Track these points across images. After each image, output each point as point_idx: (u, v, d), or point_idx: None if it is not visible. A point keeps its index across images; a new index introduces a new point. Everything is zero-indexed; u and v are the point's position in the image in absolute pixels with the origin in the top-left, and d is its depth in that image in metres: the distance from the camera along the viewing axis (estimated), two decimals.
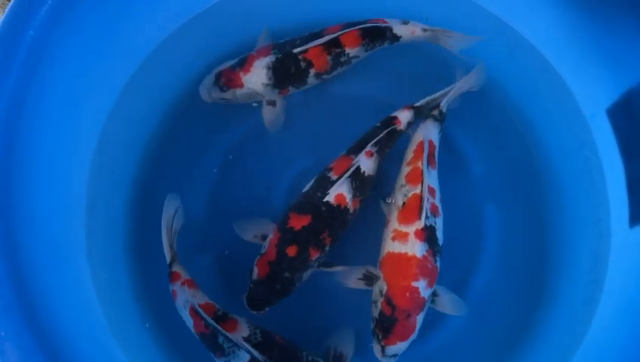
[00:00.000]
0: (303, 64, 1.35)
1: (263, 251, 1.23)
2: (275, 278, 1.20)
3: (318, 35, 1.36)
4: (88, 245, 1.33)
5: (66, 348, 1.17)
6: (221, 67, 1.40)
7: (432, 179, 1.26)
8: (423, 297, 1.17)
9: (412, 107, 1.33)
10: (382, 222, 1.28)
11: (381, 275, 1.21)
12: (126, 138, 1.43)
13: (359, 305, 1.29)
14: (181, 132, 1.46)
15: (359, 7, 1.46)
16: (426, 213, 1.19)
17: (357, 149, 1.28)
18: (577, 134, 1.43)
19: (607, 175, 1.39)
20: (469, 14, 1.49)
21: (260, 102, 1.43)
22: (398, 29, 1.38)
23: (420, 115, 1.34)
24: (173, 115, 1.47)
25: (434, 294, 1.22)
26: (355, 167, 1.24)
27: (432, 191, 1.24)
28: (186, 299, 1.20)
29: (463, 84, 1.34)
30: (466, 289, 1.38)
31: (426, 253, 1.18)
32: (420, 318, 1.19)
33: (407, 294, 1.16)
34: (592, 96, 1.41)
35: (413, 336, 1.19)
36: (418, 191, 1.21)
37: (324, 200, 1.22)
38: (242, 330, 1.17)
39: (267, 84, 1.37)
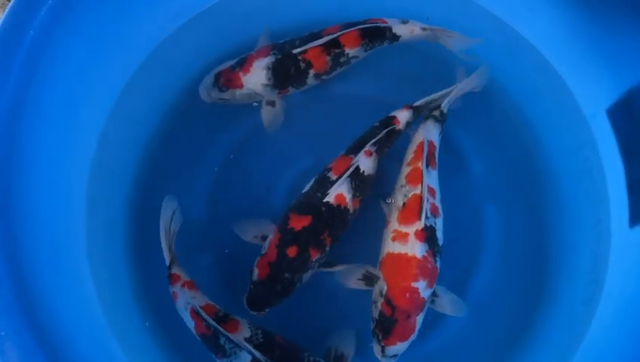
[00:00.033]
0: (302, 65, 1.35)
1: (263, 252, 1.23)
2: (275, 279, 1.19)
3: (318, 35, 1.36)
4: (88, 245, 1.33)
5: (66, 348, 1.17)
6: (220, 67, 1.40)
7: (432, 179, 1.26)
8: (423, 298, 1.17)
9: (411, 107, 1.33)
10: (382, 222, 1.28)
11: (381, 276, 1.21)
12: (126, 138, 1.43)
13: (359, 306, 1.29)
14: (181, 132, 1.46)
15: (359, 7, 1.46)
16: (426, 213, 1.19)
17: (356, 149, 1.28)
18: (577, 134, 1.43)
19: (607, 175, 1.39)
20: (469, 14, 1.49)
21: (260, 102, 1.43)
22: (398, 29, 1.38)
23: (419, 114, 1.34)
24: (173, 115, 1.47)
25: (434, 294, 1.22)
26: (354, 166, 1.24)
27: (432, 191, 1.24)
28: (187, 300, 1.20)
29: (465, 85, 1.34)
30: (466, 289, 1.38)
31: (426, 254, 1.18)
32: (419, 319, 1.19)
33: (407, 295, 1.16)
34: (592, 96, 1.41)
35: (413, 337, 1.19)
36: (418, 191, 1.21)
37: (324, 200, 1.22)
38: (244, 331, 1.17)
39: (267, 85, 1.37)
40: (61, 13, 1.20)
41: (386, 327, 1.17)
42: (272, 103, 1.42)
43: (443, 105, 1.33)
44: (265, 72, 1.36)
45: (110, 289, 1.34)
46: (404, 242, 1.19)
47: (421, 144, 1.27)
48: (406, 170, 1.27)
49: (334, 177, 1.24)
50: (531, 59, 1.47)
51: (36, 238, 1.21)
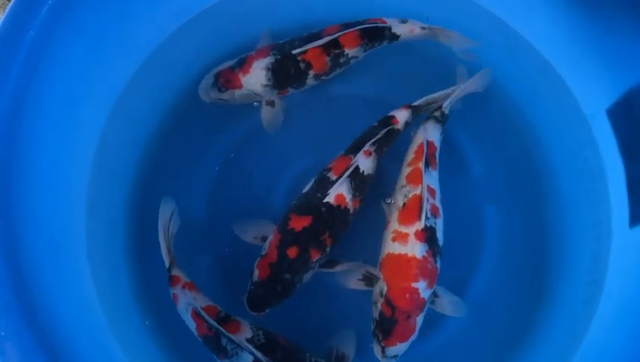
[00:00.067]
0: (302, 65, 1.35)
1: (263, 253, 1.23)
2: (275, 280, 1.19)
3: (317, 35, 1.36)
4: (88, 245, 1.33)
5: (66, 348, 1.17)
6: (219, 68, 1.40)
7: (432, 180, 1.26)
8: (423, 298, 1.17)
9: (410, 106, 1.33)
10: (382, 222, 1.28)
11: (381, 276, 1.21)
12: (126, 138, 1.43)
13: (360, 306, 1.29)
14: (181, 132, 1.46)
15: (359, 7, 1.46)
16: (426, 213, 1.19)
17: (355, 149, 1.28)
18: (577, 134, 1.43)
19: (608, 175, 1.39)
20: (469, 14, 1.49)
21: (260, 102, 1.43)
22: (397, 28, 1.38)
23: (418, 114, 1.34)
24: (173, 115, 1.47)
25: (434, 295, 1.22)
26: (354, 166, 1.24)
27: (432, 192, 1.24)
28: (188, 301, 1.20)
29: (467, 87, 1.34)
30: (466, 289, 1.38)
31: (426, 254, 1.18)
32: (419, 319, 1.19)
33: (407, 295, 1.16)
34: (592, 96, 1.40)
35: (413, 337, 1.19)
36: (418, 191, 1.21)
37: (325, 200, 1.22)
38: (245, 332, 1.17)
39: (266, 85, 1.37)
40: (61, 13, 1.20)
41: (386, 328, 1.17)
42: (271, 103, 1.42)
43: (444, 106, 1.33)
44: (264, 72, 1.36)
45: (110, 289, 1.33)
46: (404, 242, 1.19)
47: (422, 144, 1.27)
48: (406, 170, 1.27)
49: (334, 177, 1.24)
50: (531, 59, 1.47)
51: (36, 238, 1.21)
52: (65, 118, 1.29)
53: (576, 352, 1.30)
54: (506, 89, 1.47)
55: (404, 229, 1.20)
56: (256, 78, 1.36)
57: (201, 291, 1.23)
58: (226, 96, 1.39)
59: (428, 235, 1.19)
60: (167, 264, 1.24)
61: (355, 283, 1.25)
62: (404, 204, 1.23)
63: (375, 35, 1.38)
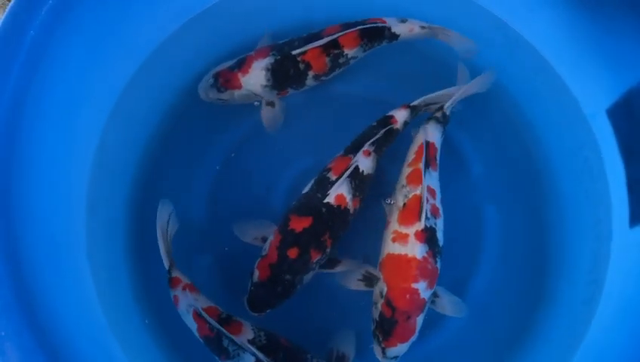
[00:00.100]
0: (301, 66, 1.35)
1: (263, 253, 1.22)
2: (276, 281, 1.19)
3: (317, 36, 1.36)
4: (88, 245, 1.33)
5: (66, 348, 1.17)
6: (219, 68, 1.40)
7: (432, 180, 1.26)
8: (423, 298, 1.17)
9: (408, 106, 1.33)
10: (382, 222, 1.28)
11: (381, 277, 1.21)
12: (126, 138, 1.43)
13: (360, 306, 1.29)
14: (181, 132, 1.46)
15: (359, 7, 1.46)
16: (426, 214, 1.19)
17: (354, 149, 1.28)
18: (577, 134, 1.43)
19: (608, 175, 1.39)
20: (469, 14, 1.49)
21: (261, 102, 1.43)
22: (397, 28, 1.39)
23: (417, 114, 1.34)
24: (173, 115, 1.47)
25: (434, 295, 1.22)
26: (353, 166, 1.24)
27: (432, 192, 1.24)
28: (189, 303, 1.19)
29: (470, 88, 1.34)
30: (466, 289, 1.38)
31: (426, 255, 1.18)
32: (420, 320, 1.18)
33: (407, 296, 1.16)
34: (592, 96, 1.40)
35: (413, 338, 1.19)
36: (418, 192, 1.21)
37: (325, 201, 1.22)
38: (247, 333, 1.16)
39: (266, 86, 1.37)
40: (61, 13, 1.20)
41: (387, 328, 1.17)
42: (271, 104, 1.42)
43: (446, 107, 1.33)
44: (264, 73, 1.36)
45: (110, 289, 1.33)
46: (404, 243, 1.19)
47: (422, 145, 1.27)
48: (407, 170, 1.27)
49: (334, 178, 1.24)
50: (531, 59, 1.47)
51: (36, 238, 1.21)
52: (65, 118, 1.29)
53: (576, 352, 1.30)
54: (506, 89, 1.47)
55: (404, 230, 1.20)
56: (255, 78, 1.36)
57: (202, 292, 1.23)
58: (225, 96, 1.39)
59: (428, 236, 1.19)
60: (166, 266, 1.24)
61: (355, 283, 1.25)
62: (405, 204, 1.23)
63: (374, 34, 1.38)
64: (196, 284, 1.24)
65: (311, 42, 1.33)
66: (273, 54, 1.36)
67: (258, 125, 1.43)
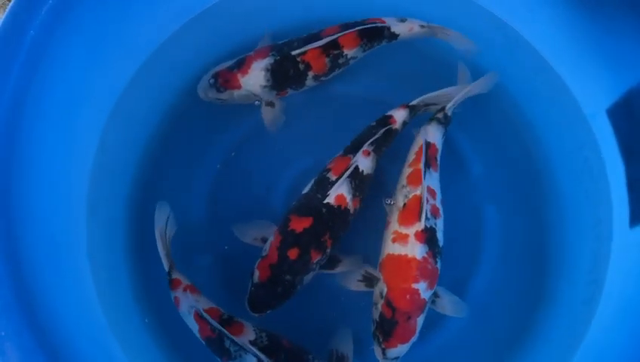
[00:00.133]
0: (301, 66, 1.35)
1: (263, 254, 1.22)
2: (276, 281, 1.19)
3: (317, 36, 1.36)
4: (88, 245, 1.33)
5: (66, 348, 1.17)
6: (218, 68, 1.40)
7: (433, 181, 1.26)
8: (424, 299, 1.17)
9: (407, 106, 1.33)
10: (382, 222, 1.28)
11: (381, 277, 1.21)
12: (126, 138, 1.43)
13: (361, 307, 1.29)
14: (181, 132, 1.46)
15: (359, 7, 1.46)
16: (426, 214, 1.19)
17: (354, 149, 1.28)
18: (577, 134, 1.43)
19: (608, 175, 1.39)
20: (469, 14, 1.49)
21: (261, 101, 1.43)
22: (396, 27, 1.39)
23: (416, 114, 1.34)
24: (173, 115, 1.47)
25: (434, 295, 1.22)
26: (353, 166, 1.24)
27: (432, 192, 1.24)
28: (190, 304, 1.19)
29: (472, 89, 1.34)
30: (466, 289, 1.38)
31: (426, 255, 1.18)
32: (420, 320, 1.18)
33: (408, 296, 1.16)
34: (592, 96, 1.40)
35: (414, 339, 1.18)
36: (419, 192, 1.21)
37: (325, 201, 1.22)
38: (248, 334, 1.16)
39: (265, 86, 1.37)
40: (61, 13, 1.20)
41: (387, 329, 1.17)
42: (271, 104, 1.42)
43: (447, 108, 1.33)
44: (263, 73, 1.36)
45: (110, 289, 1.33)
46: (404, 243, 1.19)
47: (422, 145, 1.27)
48: (407, 171, 1.27)
49: (334, 178, 1.24)
50: (531, 59, 1.47)
51: (36, 238, 1.21)
52: (65, 118, 1.29)
53: (576, 352, 1.30)
54: (506, 89, 1.47)
55: (404, 230, 1.20)
56: (255, 78, 1.36)
57: (202, 292, 1.23)
58: (224, 96, 1.39)
59: (428, 236, 1.19)
60: (166, 268, 1.24)
61: (355, 284, 1.25)
62: (405, 204, 1.23)
63: (374, 34, 1.38)
64: (196, 284, 1.24)
65: (310, 43, 1.33)
66: (273, 55, 1.36)
67: (258, 125, 1.43)
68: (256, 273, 1.21)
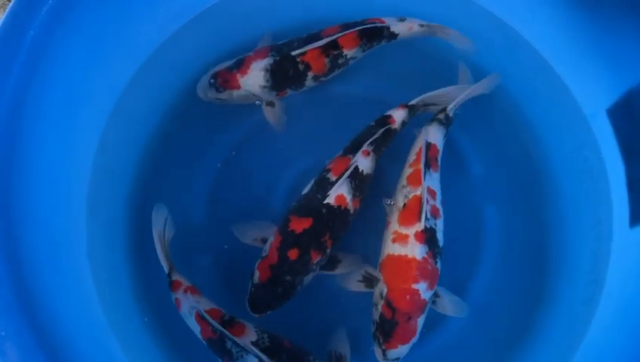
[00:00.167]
0: (301, 66, 1.35)
1: (264, 254, 1.22)
2: (276, 282, 1.19)
3: (316, 36, 1.36)
4: (88, 245, 1.33)
5: (66, 348, 1.17)
6: (217, 68, 1.40)
7: (433, 181, 1.26)
8: (424, 299, 1.17)
9: (406, 106, 1.33)
10: (382, 222, 1.28)
11: (381, 278, 1.21)
12: (126, 138, 1.43)
13: (361, 307, 1.29)
14: (181, 132, 1.46)
15: (359, 7, 1.46)
16: (426, 214, 1.19)
17: (353, 149, 1.28)
18: (577, 134, 1.43)
19: (608, 175, 1.39)
20: (469, 14, 1.48)
21: (262, 101, 1.43)
22: (396, 27, 1.39)
23: (415, 113, 1.34)
24: (174, 115, 1.47)
25: (435, 295, 1.22)
26: (353, 166, 1.24)
27: (432, 193, 1.24)
28: (191, 305, 1.19)
29: (474, 90, 1.34)
30: (466, 289, 1.38)
31: (426, 255, 1.18)
32: (420, 321, 1.18)
33: (408, 297, 1.16)
34: (592, 96, 1.40)
35: (414, 339, 1.18)
36: (419, 193, 1.21)
37: (325, 201, 1.22)
38: (250, 335, 1.16)
39: (265, 87, 1.37)
40: (61, 13, 1.20)
41: (387, 330, 1.17)
42: (271, 104, 1.42)
43: (449, 108, 1.32)
44: (263, 73, 1.35)
45: (110, 289, 1.33)
46: (404, 244, 1.19)
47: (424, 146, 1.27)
48: (407, 171, 1.27)
49: (334, 178, 1.24)
50: (531, 59, 1.47)
51: (36, 238, 1.21)
52: (65, 118, 1.29)
53: (576, 352, 1.30)
54: (506, 89, 1.47)
55: (404, 230, 1.20)
56: (254, 79, 1.36)
57: (203, 293, 1.23)
58: (224, 96, 1.39)
59: (428, 236, 1.19)
60: (166, 270, 1.24)
61: (355, 285, 1.25)
62: (405, 205, 1.23)
63: (373, 34, 1.38)
64: (196, 285, 1.24)
65: (310, 43, 1.33)
66: (272, 55, 1.36)
67: (258, 125, 1.43)
68: (257, 273, 1.20)
